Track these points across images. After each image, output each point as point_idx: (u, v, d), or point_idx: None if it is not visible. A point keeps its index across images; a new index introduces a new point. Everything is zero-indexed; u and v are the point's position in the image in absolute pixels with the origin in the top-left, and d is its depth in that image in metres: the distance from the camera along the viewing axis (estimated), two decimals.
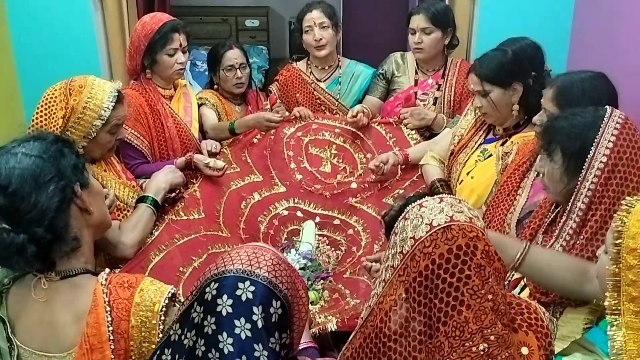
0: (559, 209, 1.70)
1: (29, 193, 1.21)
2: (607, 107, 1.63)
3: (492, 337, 1.19)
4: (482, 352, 1.18)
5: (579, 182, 1.58)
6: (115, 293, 1.27)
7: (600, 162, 1.55)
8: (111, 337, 1.23)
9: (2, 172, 1.23)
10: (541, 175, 1.71)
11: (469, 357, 1.18)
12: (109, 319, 1.24)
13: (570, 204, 1.60)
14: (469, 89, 2.31)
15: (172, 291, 1.31)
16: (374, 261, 1.95)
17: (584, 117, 1.62)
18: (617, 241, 1.19)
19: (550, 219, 1.73)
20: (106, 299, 1.26)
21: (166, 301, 1.28)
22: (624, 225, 1.19)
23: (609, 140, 1.55)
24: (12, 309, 1.29)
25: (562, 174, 1.61)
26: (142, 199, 2.07)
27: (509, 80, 2.16)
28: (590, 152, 1.56)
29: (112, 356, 1.23)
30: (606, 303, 1.20)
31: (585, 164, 1.56)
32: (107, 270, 1.34)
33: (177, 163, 2.45)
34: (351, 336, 1.36)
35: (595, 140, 1.56)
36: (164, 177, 2.19)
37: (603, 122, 1.58)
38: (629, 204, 1.21)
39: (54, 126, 1.88)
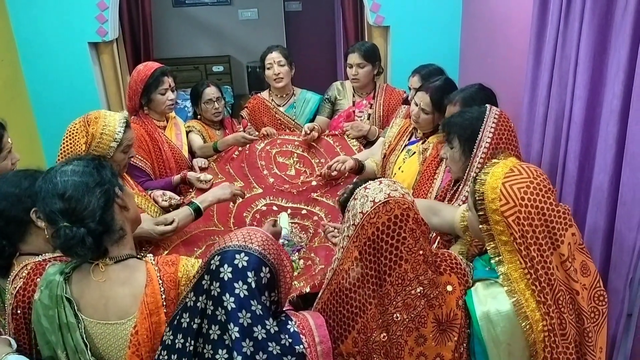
0: (457, 184, 1.77)
1: (82, 196, 1.22)
2: (487, 105, 1.72)
3: (425, 282, 1.24)
4: (419, 294, 1.23)
5: (471, 159, 1.65)
6: (164, 270, 1.29)
7: (486, 142, 1.63)
8: (164, 303, 1.25)
9: (59, 184, 1.23)
10: (444, 159, 1.77)
11: (409, 298, 1.22)
12: (162, 289, 1.26)
13: (465, 174, 1.68)
14: (415, 102, 2.23)
15: None
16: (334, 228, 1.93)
17: (471, 113, 1.72)
18: (481, 206, 1.27)
19: (452, 192, 1.80)
20: (158, 275, 1.27)
21: None
22: (482, 194, 1.27)
23: (491, 127, 1.64)
24: (76, 291, 1.27)
25: (461, 155, 1.69)
26: (190, 203, 2.07)
27: (444, 109, 2.09)
28: (479, 135, 1.65)
29: (165, 318, 1.24)
30: (488, 248, 1.29)
31: (475, 144, 1.64)
32: (151, 255, 1.35)
33: (174, 180, 2.43)
34: (320, 293, 1.38)
35: (481, 127, 1.65)
36: (215, 192, 2.14)
37: (485, 115, 1.67)
38: (481, 180, 1.29)
39: (79, 151, 1.83)
